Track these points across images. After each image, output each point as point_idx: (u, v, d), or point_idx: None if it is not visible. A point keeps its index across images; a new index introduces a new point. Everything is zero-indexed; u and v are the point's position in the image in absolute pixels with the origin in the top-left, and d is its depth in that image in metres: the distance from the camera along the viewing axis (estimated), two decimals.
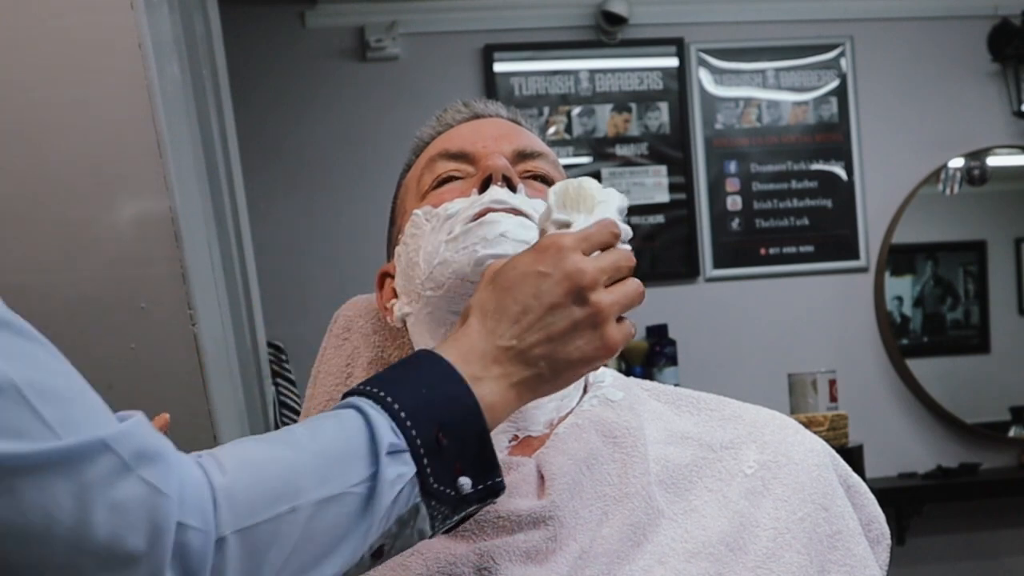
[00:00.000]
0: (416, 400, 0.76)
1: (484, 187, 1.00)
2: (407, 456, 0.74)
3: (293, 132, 3.55)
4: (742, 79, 3.79)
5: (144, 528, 0.61)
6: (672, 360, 3.58)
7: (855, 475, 1.05)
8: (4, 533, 0.59)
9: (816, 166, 3.81)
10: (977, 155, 3.88)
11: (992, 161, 3.91)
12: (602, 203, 0.91)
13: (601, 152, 3.69)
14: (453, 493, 0.76)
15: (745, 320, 3.73)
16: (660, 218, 3.71)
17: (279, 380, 2.76)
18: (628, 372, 2.88)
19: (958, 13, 3.86)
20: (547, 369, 0.82)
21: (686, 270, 3.73)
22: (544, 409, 1.01)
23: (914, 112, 3.84)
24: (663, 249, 3.71)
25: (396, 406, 0.75)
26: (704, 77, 3.76)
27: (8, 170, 1.44)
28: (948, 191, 3.86)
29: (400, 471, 0.73)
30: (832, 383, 3.00)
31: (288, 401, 2.71)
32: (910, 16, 3.86)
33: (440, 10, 3.64)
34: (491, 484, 0.78)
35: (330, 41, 3.61)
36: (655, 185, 3.72)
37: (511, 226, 0.96)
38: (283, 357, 2.87)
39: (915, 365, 3.83)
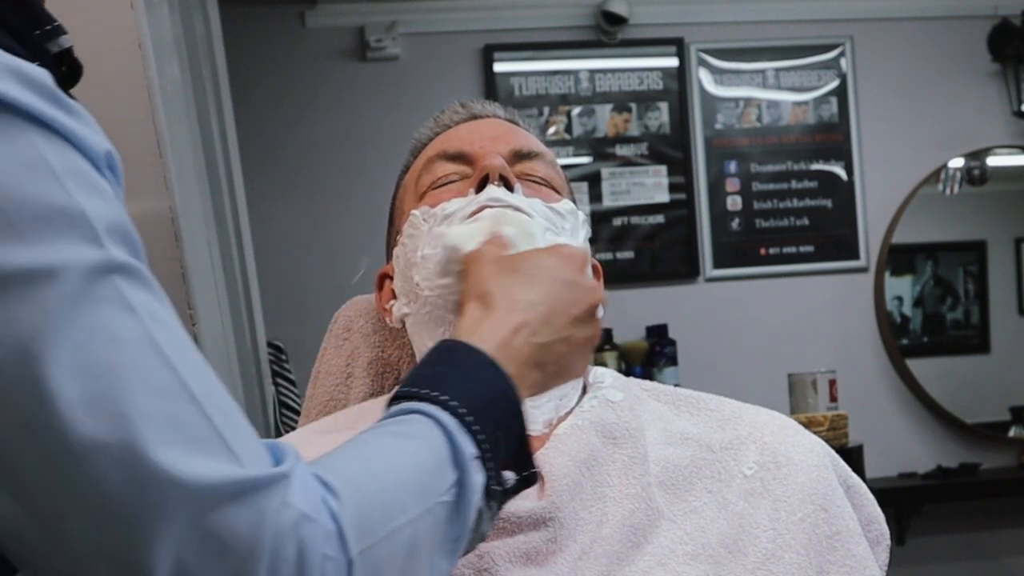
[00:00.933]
0: (477, 402, 0.74)
1: (481, 186, 1.00)
2: (479, 463, 0.72)
3: (293, 132, 3.55)
4: (742, 79, 3.78)
5: (295, 554, 0.59)
6: (672, 360, 3.58)
7: (855, 475, 1.05)
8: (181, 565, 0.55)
9: (816, 166, 3.81)
10: (977, 155, 3.88)
11: (992, 161, 3.91)
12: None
13: (601, 152, 3.69)
14: (500, 489, 0.75)
15: (745, 320, 3.73)
16: (660, 218, 3.71)
17: (279, 380, 2.76)
18: (628, 372, 2.88)
19: (958, 13, 3.86)
20: (552, 375, 0.83)
21: (686, 270, 3.72)
22: (543, 409, 1.01)
23: (914, 112, 3.84)
24: (663, 249, 3.71)
25: (462, 410, 0.73)
26: (704, 77, 3.76)
27: None
28: (948, 191, 3.86)
29: (477, 479, 0.72)
30: (832, 383, 3.00)
31: (288, 401, 2.71)
32: (910, 16, 3.86)
33: (440, 10, 3.64)
34: (527, 475, 0.78)
35: (330, 41, 3.61)
36: (655, 185, 3.72)
37: None
38: (283, 357, 2.87)
39: (915, 365, 3.82)
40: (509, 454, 0.76)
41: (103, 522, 0.55)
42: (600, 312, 0.87)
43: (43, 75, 0.60)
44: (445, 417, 0.72)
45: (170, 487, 0.55)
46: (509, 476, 0.75)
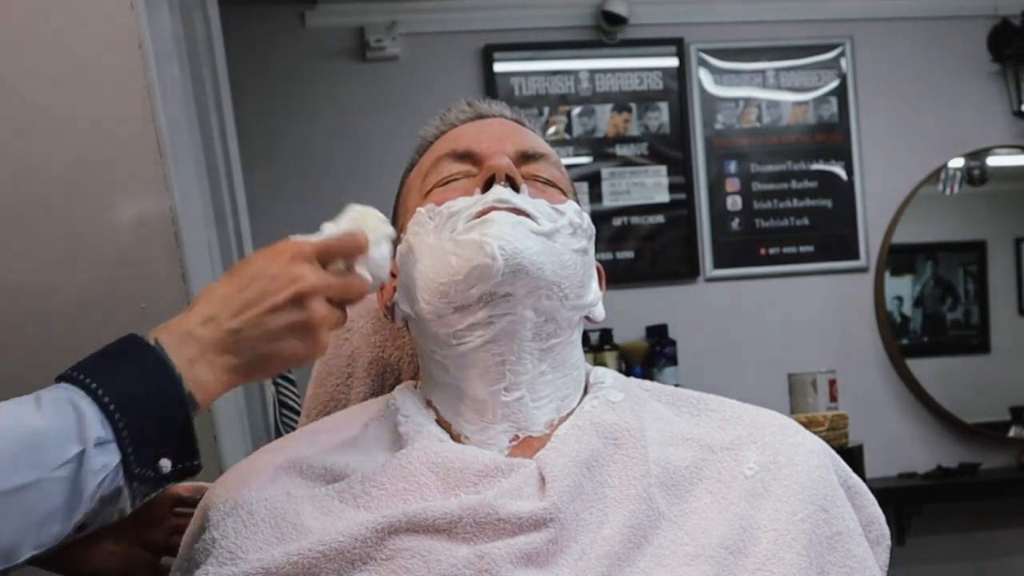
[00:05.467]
0: (125, 392, 0.83)
1: (488, 186, 1.01)
2: (113, 447, 0.82)
3: (293, 132, 3.55)
4: (742, 79, 3.78)
5: None
6: (672, 360, 3.58)
7: (855, 476, 1.05)
8: None
9: (816, 166, 3.81)
10: (977, 155, 3.87)
11: (992, 161, 3.91)
12: (376, 233, 0.98)
13: (601, 152, 3.69)
14: (153, 474, 0.85)
15: (745, 320, 3.73)
16: (660, 218, 3.71)
17: (279, 380, 2.75)
18: (628, 372, 2.88)
19: (958, 13, 3.86)
20: (257, 361, 0.91)
21: (686, 270, 3.72)
22: (544, 410, 1.01)
23: (914, 112, 3.84)
24: (663, 249, 3.71)
25: (106, 399, 0.82)
26: (704, 77, 3.76)
27: (8, 170, 1.44)
28: (948, 191, 3.86)
29: (105, 461, 0.81)
30: (832, 383, 2.99)
31: (288, 401, 2.70)
32: (910, 16, 3.86)
33: (440, 10, 3.64)
34: (188, 465, 0.87)
35: (330, 41, 3.61)
36: (655, 185, 3.72)
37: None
38: None
39: (915, 365, 3.82)
40: (168, 443, 0.85)
41: None
42: (316, 300, 0.91)
43: None
44: (84, 404, 0.82)
45: None
46: (165, 464, 0.85)
